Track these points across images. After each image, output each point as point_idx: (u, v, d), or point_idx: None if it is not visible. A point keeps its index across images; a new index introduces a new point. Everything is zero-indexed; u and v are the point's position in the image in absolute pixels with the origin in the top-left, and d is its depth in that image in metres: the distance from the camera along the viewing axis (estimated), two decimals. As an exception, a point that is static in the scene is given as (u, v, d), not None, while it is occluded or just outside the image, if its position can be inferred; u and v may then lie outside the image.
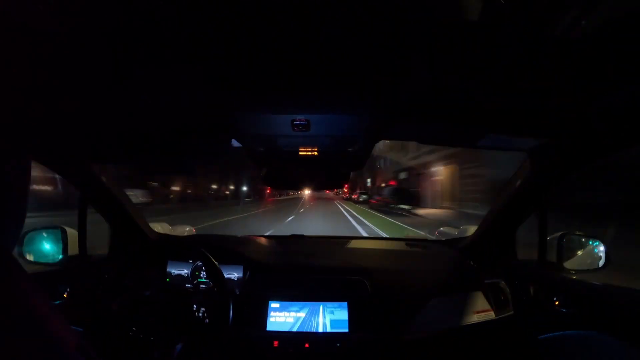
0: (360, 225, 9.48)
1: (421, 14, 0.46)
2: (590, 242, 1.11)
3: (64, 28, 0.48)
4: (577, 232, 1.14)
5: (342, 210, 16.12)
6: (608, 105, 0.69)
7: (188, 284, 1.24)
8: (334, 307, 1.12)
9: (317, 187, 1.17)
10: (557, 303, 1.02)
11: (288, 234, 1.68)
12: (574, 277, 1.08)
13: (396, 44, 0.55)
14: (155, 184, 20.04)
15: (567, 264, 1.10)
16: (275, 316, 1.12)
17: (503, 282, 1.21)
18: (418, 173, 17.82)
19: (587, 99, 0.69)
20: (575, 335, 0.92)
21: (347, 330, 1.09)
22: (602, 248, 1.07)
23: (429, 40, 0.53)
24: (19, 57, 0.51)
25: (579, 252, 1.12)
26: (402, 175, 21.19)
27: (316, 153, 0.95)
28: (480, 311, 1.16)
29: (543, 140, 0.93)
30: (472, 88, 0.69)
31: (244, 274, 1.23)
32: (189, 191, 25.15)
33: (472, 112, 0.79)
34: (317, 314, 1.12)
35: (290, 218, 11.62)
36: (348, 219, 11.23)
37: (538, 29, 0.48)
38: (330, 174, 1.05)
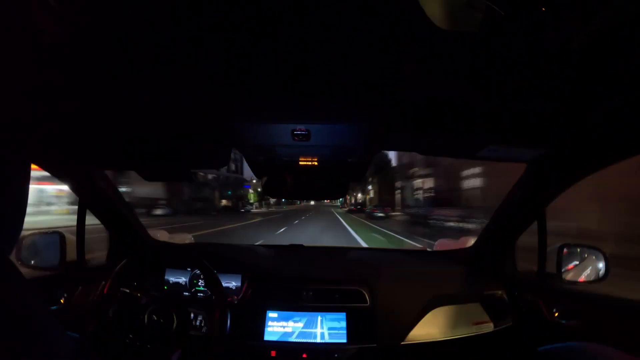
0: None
1: (418, 24, 0.46)
2: (590, 253, 1.10)
3: (65, 30, 0.48)
4: (577, 243, 1.13)
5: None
6: (604, 115, 0.69)
7: (186, 292, 1.23)
8: (332, 318, 1.11)
9: (316, 197, 1.17)
10: (556, 314, 1.01)
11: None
12: (574, 288, 1.07)
13: (394, 54, 0.55)
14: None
15: (567, 275, 1.10)
16: (273, 326, 1.11)
17: (502, 293, 1.21)
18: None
19: (584, 109, 0.69)
20: (575, 347, 0.91)
21: (345, 340, 1.08)
22: (602, 259, 1.07)
23: (427, 51, 0.54)
24: (19, 58, 0.52)
25: (579, 263, 1.11)
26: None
27: (316, 163, 0.95)
28: (480, 322, 1.15)
29: (542, 151, 0.93)
30: (469, 98, 0.70)
31: (242, 283, 1.22)
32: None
33: (469, 122, 0.79)
34: (315, 324, 1.11)
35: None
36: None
37: (534, 39, 0.49)
38: (330, 184, 1.05)
